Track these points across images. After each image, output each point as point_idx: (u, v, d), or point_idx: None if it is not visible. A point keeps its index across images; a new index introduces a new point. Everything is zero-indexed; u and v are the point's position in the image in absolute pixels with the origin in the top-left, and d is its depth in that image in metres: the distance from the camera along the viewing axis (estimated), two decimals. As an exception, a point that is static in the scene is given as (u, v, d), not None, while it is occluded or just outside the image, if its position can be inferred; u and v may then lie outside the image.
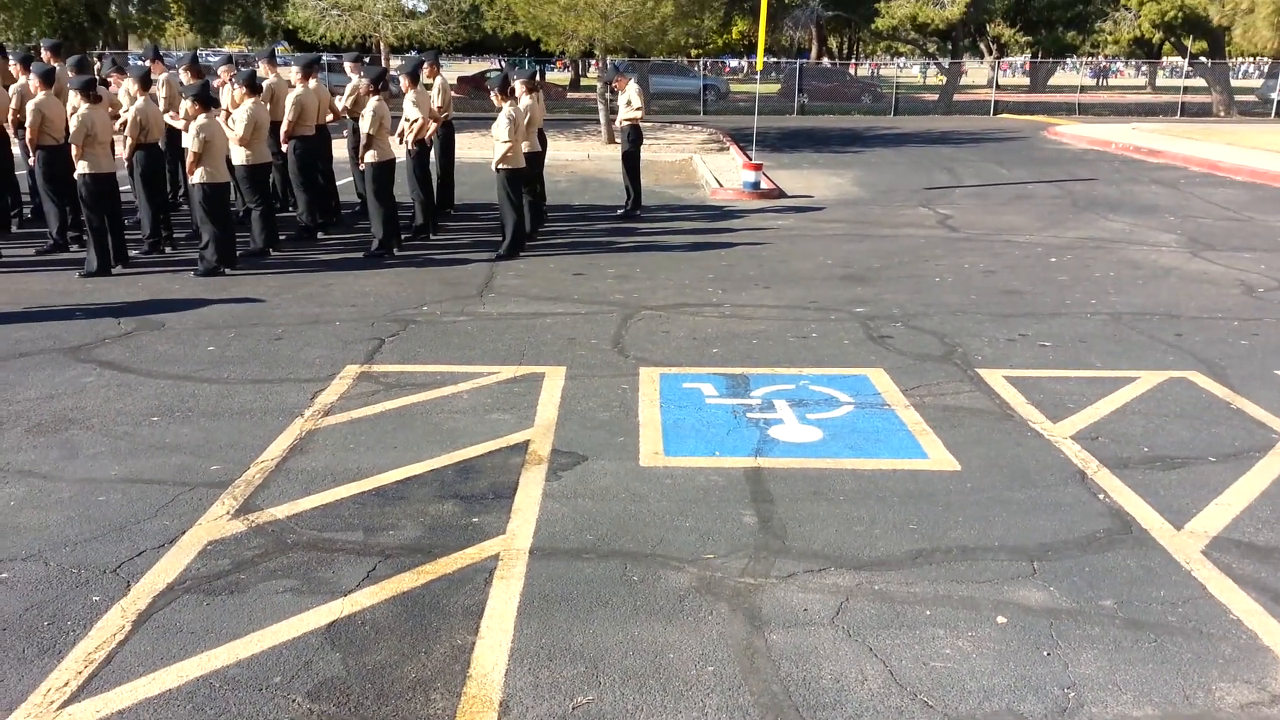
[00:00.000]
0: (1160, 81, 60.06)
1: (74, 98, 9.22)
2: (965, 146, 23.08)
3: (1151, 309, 8.45)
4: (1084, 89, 43.77)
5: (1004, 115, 34.56)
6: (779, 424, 5.77)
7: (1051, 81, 49.88)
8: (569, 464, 5.20)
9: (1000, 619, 3.82)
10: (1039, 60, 42.42)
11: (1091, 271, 9.88)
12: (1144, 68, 56.29)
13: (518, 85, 10.74)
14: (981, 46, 41.18)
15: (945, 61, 39.06)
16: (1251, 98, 39.13)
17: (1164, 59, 53.21)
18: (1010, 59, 52.06)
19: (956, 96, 38.20)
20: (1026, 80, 50.88)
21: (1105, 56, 45.60)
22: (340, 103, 11.56)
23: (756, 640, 3.67)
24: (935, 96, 40.12)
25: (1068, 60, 46.22)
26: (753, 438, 5.56)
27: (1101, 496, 4.88)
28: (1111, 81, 65.88)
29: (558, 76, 55.56)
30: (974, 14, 34.32)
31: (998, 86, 38.53)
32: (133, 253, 9.79)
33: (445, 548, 4.31)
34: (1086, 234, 11.94)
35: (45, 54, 11.06)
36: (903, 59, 67.94)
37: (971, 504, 4.78)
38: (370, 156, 9.95)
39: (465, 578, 4.07)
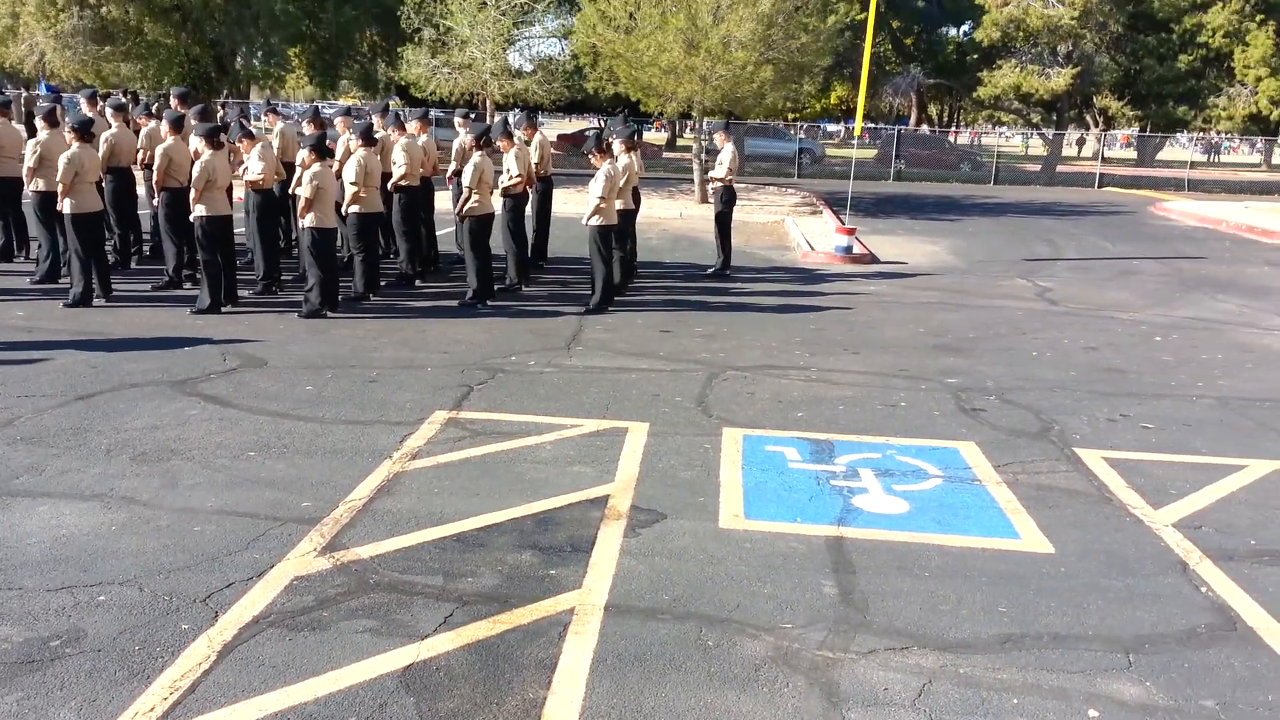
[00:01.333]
0: (1276, 159, 58.04)
1: (198, 144, 9.74)
2: (1067, 219, 22.60)
3: (1262, 395, 8.08)
4: (1194, 164, 42.60)
5: (1109, 188, 33.79)
6: (864, 493, 5.66)
7: (1160, 156, 48.63)
8: (648, 521, 5.18)
9: (1092, 712, 3.64)
10: (1147, 134, 41.50)
11: (1199, 353, 9.52)
12: (1259, 144, 54.51)
13: (616, 144, 10.96)
14: (1088, 118, 40.47)
15: (1049, 132, 38.47)
16: (1376, 178, 37.46)
17: (1281, 136, 51.50)
18: (1117, 132, 51.06)
19: (1059, 168, 37.52)
20: (1133, 153, 49.76)
21: (1218, 132, 44.36)
22: (452, 165, 11.94)
23: (834, 717, 3.56)
24: (1037, 167, 39.49)
25: (1178, 135, 45.10)
26: (836, 506, 5.47)
27: (1204, 589, 4.65)
28: (1224, 158, 63.94)
29: (654, 136, 56.49)
30: (1080, 86, 33.79)
31: (1103, 159, 37.75)
32: (243, 293, 10.21)
33: (521, 598, 4.32)
34: (1194, 314, 11.53)
35: (174, 101, 11.73)
36: (1004, 128, 67.21)
37: (1065, 589, 4.60)
38: (469, 209, 10.23)
39: (540, 630, 4.07)
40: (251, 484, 5.49)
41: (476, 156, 10.16)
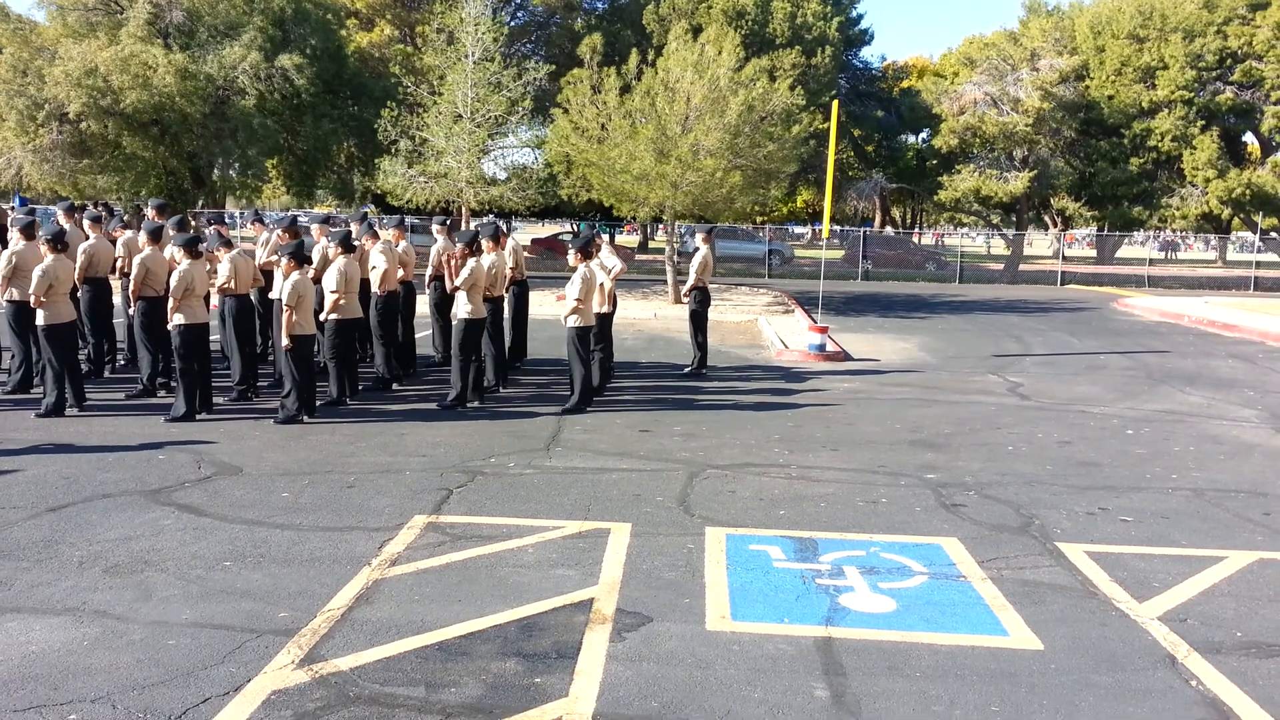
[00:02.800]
0: (1231, 255, 59.92)
1: (176, 253, 9.80)
2: (1033, 315, 23.08)
3: (1236, 486, 8.17)
4: (1153, 261, 43.84)
5: (1071, 285, 34.65)
6: (850, 592, 5.63)
7: (1119, 254, 50.07)
8: (634, 625, 5.11)
9: (1093, 814, 3.57)
10: (1105, 234, 42.75)
11: (1170, 445, 9.64)
12: (1214, 241, 56.27)
13: (573, 255, 11.15)
14: (1046, 219, 41.73)
15: (1010, 233, 39.58)
16: (1326, 273, 38.70)
17: (1234, 233, 53.26)
18: (1076, 231, 52.56)
19: (1022, 266, 38.50)
20: (1093, 252, 51.19)
21: (1173, 230, 45.80)
22: (430, 267, 12.15)
23: (830, 825, 3.47)
24: (1000, 266, 40.49)
25: (1135, 233, 46.51)
26: (823, 605, 5.42)
27: (1194, 683, 4.62)
28: (1181, 255, 65.90)
29: (627, 239, 57.48)
30: (1038, 188, 34.94)
31: (1064, 258, 38.82)
32: (218, 400, 10.15)
33: (507, 708, 4.22)
34: (1163, 406, 11.72)
35: (151, 213, 11.86)
36: (967, 228, 69.02)
37: (1056, 686, 4.55)
38: (463, 313, 10.31)
39: (527, 741, 3.96)
40: (227, 595, 5.37)
41: (472, 261, 10.29)
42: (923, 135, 42.61)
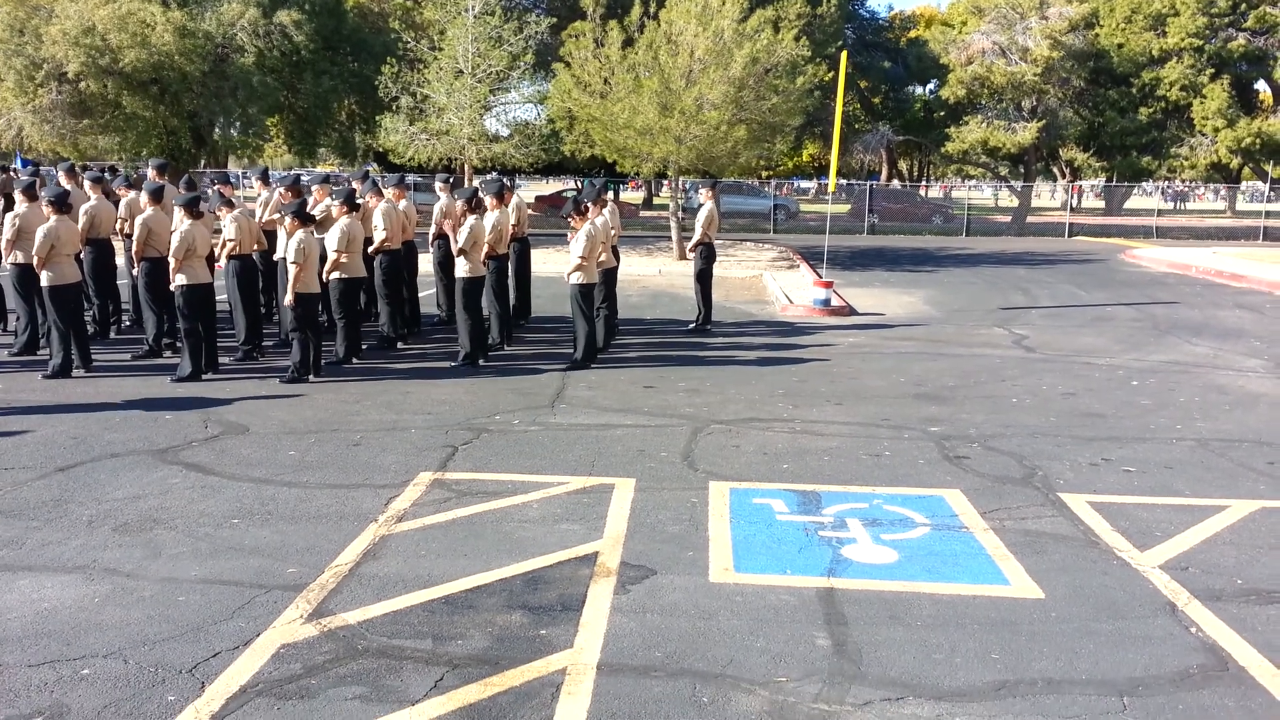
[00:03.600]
0: (1240, 205, 59.37)
1: (178, 213, 9.78)
2: (1040, 268, 22.96)
3: (1240, 436, 8.18)
4: (1161, 212, 43.49)
5: (1079, 237, 34.41)
6: (852, 543, 5.67)
7: (1127, 205, 49.66)
8: (638, 577, 5.16)
9: (1090, 758, 3.62)
10: (1113, 185, 42.39)
11: (1176, 396, 9.64)
12: (1223, 191, 55.76)
13: (591, 207, 11.10)
14: (1055, 170, 41.33)
15: (1017, 184, 39.24)
16: (1337, 222, 38.35)
17: (1244, 183, 52.76)
18: (1084, 183, 52.08)
19: (1030, 219, 38.21)
20: (1101, 203, 50.78)
21: (1182, 181, 45.37)
22: (433, 225, 12.11)
23: (831, 770, 3.53)
24: (1008, 218, 40.20)
25: (1144, 184, 46.08)
26: (825, 557, 5.46)
27: (1194, 630, 4.66)
28: (1190, 205, 65.33)
29: (631, 195, 57.16)
30: (1046, 139, 34.58)
31: (1072, 209, 38.51)
32: (224, 360, 10.18)
33: (512, 660, 4.28)
34: (1169, 357, 11.69)
35: (152, 172, 11.81)
36: (974, 181, 68.47)
37: (1057, 634, 4.60)
38: (462, 271, 10.29)
39: (532, 691, 4.03)
40: (236, 552, 5.43)
41: (471, 219, 10.24)
42: (930, 86, 42.14)
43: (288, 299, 9.45)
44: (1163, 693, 4.09)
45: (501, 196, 11.11)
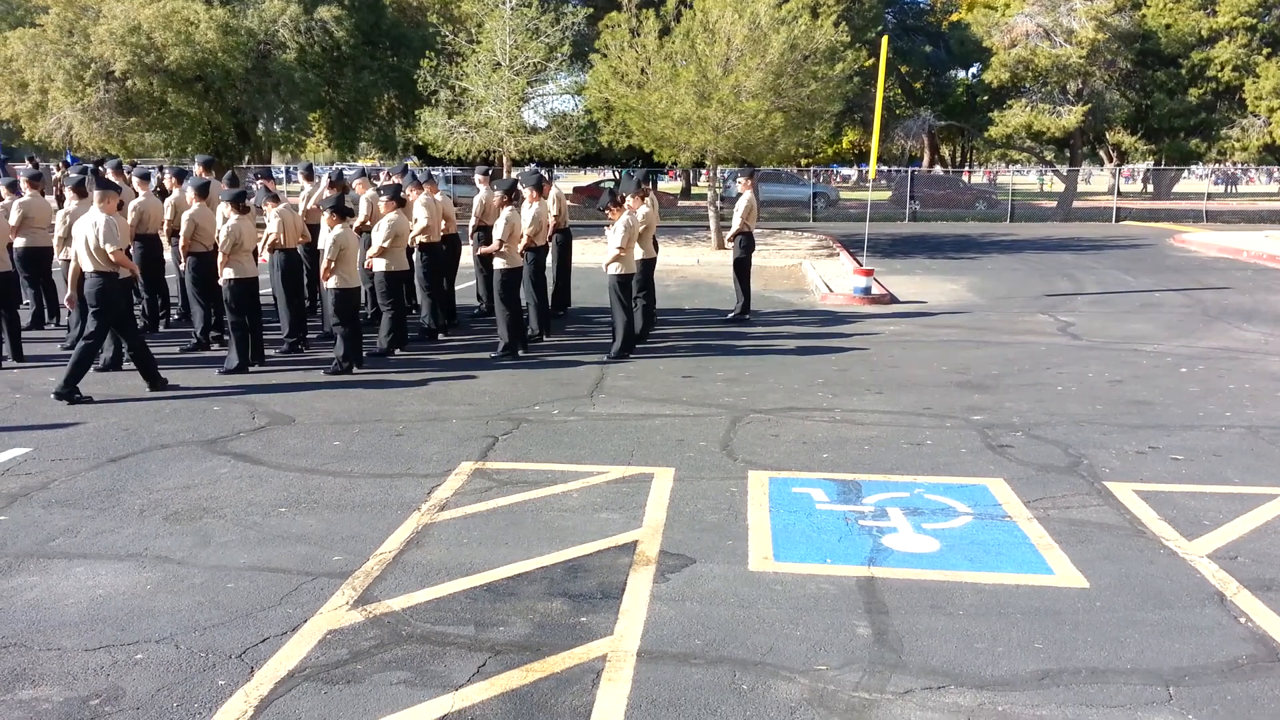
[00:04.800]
0: (1294, 187, 57.85)
1: (224, 208, 9.94)
2: (1086, 253, 22.58)
3: (1293, 422, 8.00)
4: (1211, 196, 42.51)
5: (1127, 222, 33.78)
6: (893, 533, 5.64)
7: (1176, 188, 48.63)
8: (677, 566, 5.18)
9: (1135, 748, 3.58)
10: (1162, 168, 41.52)
11: (1225, 383, 9.45)
12: (1276, 173, 54.37)
13: (630, 199, 11.09)
14: (1101, 154, 40.58)
15: (1063, 169, 38.57)
16: (1396, 203, 37.25)
17: (1297, 164, 51.34)
18: (1132, 166, 51.09)
19: (1076, 203, 37.57)
20: (1150, 187, 49.78)
21: (1233, 163, 44.32)
22: (472, 220, 12.20)
23: (871, 757, 3.53)
24: (1053, 203, 39.55)
25: (1193, 167, 45.08)
26: (866, 546, 5.44)
27: (1243, 620, 4.58)
28: (1241, 188, 63.81)
29: (669, 185, 57.05)
30: (1092, 122, 33.95)
31: (1119, 193, 37.79)
32: (270, 352, 10.35)
33: (554, 646, 4.32)
34: (1219, 344, 11.46)
35: (198, 168, 12.01)
36: (1018, 166, 67.42)
37: (1101, 624, 4.55)
38: (499, 263, 10.36)
39: (573, 678, 4.07)
40: (283, 540, 5.54)
41: (507, 211, 10.30)
42: (972, 70, 41.47)
43: (330, 283, 9.57)
44: (1210, 683, 4.03)
45: (540, 188, 11.16)
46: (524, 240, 10.69)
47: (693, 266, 19.90)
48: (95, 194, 8.82)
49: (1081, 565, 5.19)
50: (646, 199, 11.67)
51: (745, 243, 13.07)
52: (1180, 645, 4.35)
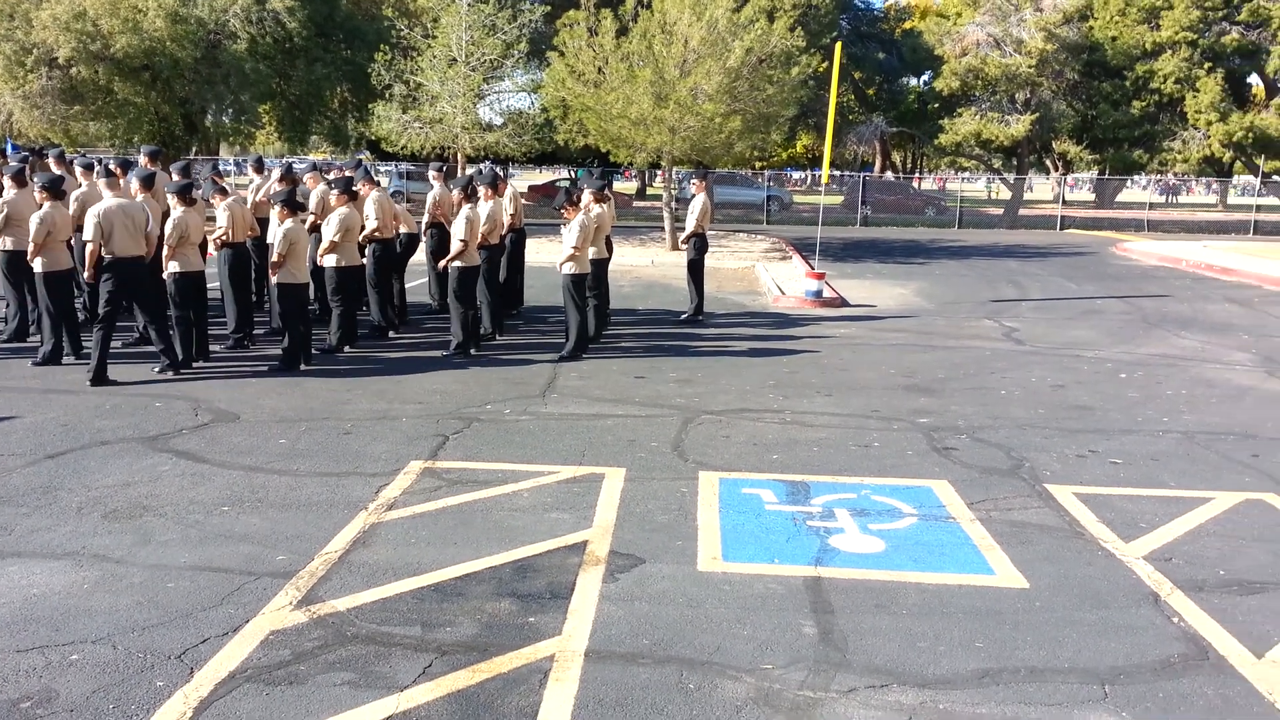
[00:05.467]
0: (1232, 199, 59.49)
1: (171, 200, 9.75)
2: (1032, 260, 23.02)
3: (1226, 429, 8.24)
4: (1153, 205, 43.56)
5: (1071, 230, 34.49)
6: (840, 533, 5.70)
7: (1119, 198, 49.76)
8: (626, 566, 5.19)
9: (1071, 745, 3.66)
10: (1106, 177, 42.45)
11: (1163, 389, 9.69)
12: (1215, 185, 55.88)
13: (587, 195, 11.09)
14: (1047, 163, 41.40)
15: (1010, 177, 39.30)
16: (1328, 216, 38.49)
17: (1235, 177, 52.87)
18: (1076, 175, 52.14)
19: (1022, 211, 38.29)
20: (1093, 196, 50.89)
21: (1174, 174, 45.49)
22: (426, 214, 12.08)
23: (814, 756, 3.57)
24: (1000, 211, 40.25)
25: (1136, 177, 46.15)
26: (813, 546, 5.50)
27: (1176, 620, 4.71)
28: (1181, 199, 65.46)
29: (624, 186, 57.08)
30: (1039, 132, 34.64)
31: (1064, 202, 38.58)
32: (214, 348, 10.17)
33: (501, 646, 4.31)
34: (1158, 351, 11.75)
35: (143, 159, 11.76)
36: (967, 173, 68.55)
37: (1040, 623, 4.64)
38: (457, 261, 10.28)
39: (520, 678, 4.05)
40: (225, 539, 5.45)
41: (466, 209, 10.22)
42: (924, 78, 42.14)
43: (274, 279, 9.45)
44: (1144, 681, 4.13)
45: (496, 187, 11.11)
46: (478, 238, 10.62)
47: (647, 267, 19.94)
48: (133, 183, 9.60)
49: (1022, 566, 5.29)
50: (606, 203, 11.67)
51: (699, 244, 13.13)
52: (1116, 645, 4.45)
